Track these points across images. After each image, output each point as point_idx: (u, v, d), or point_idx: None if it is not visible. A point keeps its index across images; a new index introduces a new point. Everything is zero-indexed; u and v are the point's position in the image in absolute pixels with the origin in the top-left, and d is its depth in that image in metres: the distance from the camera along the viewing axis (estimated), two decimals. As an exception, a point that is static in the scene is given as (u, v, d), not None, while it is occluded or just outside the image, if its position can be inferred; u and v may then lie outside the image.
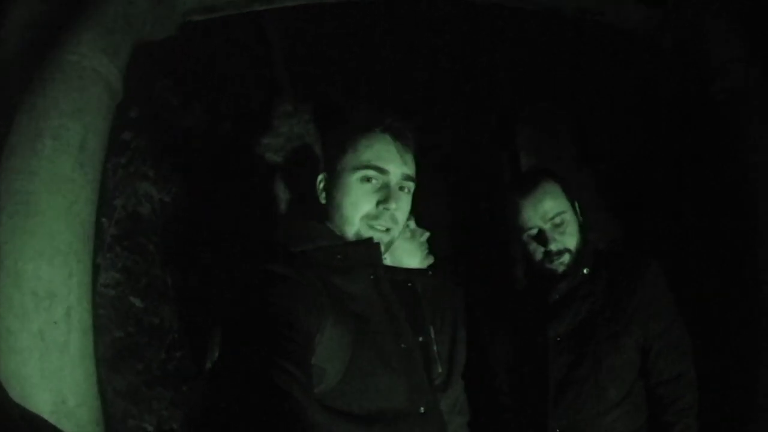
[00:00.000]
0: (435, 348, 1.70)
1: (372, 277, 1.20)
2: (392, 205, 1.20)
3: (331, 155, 1.29)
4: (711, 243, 2.06)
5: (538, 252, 1.65)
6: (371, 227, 1.21)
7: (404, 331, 1.19)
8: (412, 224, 1.81)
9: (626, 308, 1.57)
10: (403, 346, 1.16)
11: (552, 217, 1.62)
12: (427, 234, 1.83)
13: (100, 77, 1.53)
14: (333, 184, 1.26)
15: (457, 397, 1.69)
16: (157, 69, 2.15)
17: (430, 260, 1.82)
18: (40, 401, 1.34)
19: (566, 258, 1.63)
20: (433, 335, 1.71)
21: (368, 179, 1.21)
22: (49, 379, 1.37)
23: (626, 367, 1.55)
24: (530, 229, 1.65)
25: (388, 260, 1.71)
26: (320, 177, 1.31)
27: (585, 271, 1.65)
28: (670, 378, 1.53)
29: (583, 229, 1.70)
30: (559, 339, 1.60)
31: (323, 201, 1.29)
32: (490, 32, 2.42)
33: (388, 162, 1.22)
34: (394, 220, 1.23)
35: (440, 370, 1.69)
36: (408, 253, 1.77)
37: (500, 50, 2.51)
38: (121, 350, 1.99)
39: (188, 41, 1.99)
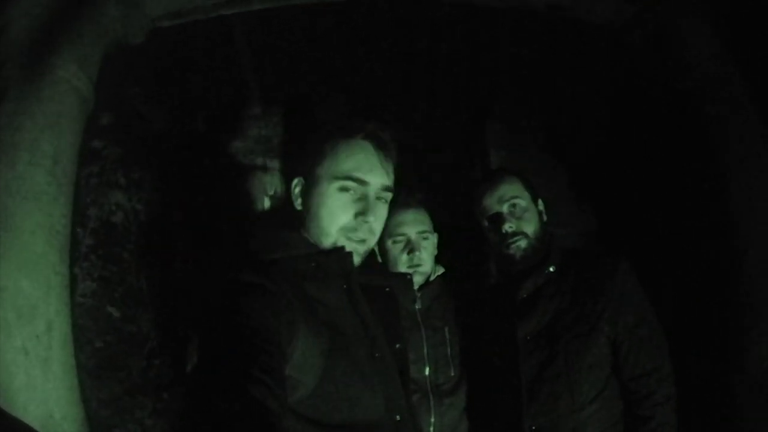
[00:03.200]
0: (449, 350, 1.73)
1: (345, 286, 1.18)
2: (371, 218, 1.18)
3: (308, 160, 1.23)
4: (684, 235, 2.07)
5: (495, 235, 1.68)
6: (348, 238, 1.19)
7: (378, 340, 1.17)
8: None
9: (595, 307, 1.57)
10: (377, 355, 1.14)
11: (508, 200, 1.67)
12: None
13: (72, 88, 1.51)
14: (310, 191, 1.22)
15: (464, 400, 1.72)
16: (126, 76, 2.12)
17: (440, 270, 1.87)
18: (28, 417, 1.33)
19: (522, 242, 1.65)
20: (448, 336, 1.75)
21: (347, 189, 1.18)
22: (35, 393, 1.36)
23: (598, 363, 1.55)
24: (489, 213, 1.70)
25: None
26: (296, 181, 1.25)
27: (551, 268, 1.66)
28: (643, 373, 1.53)
29: (546, 225, 1.73)
30: (528, 338, 1.61)
31: (299, 207, 1.24)
32: (462, 30, 2.45)
33: (369, 173, 1.18)
34: (372, 231, 1.21)
35: (453, 374, 1.71)
36: None
37: (471, 47, 2.54)
38: (102, 360, 1.96)
39: (157, 47, 1.98)
